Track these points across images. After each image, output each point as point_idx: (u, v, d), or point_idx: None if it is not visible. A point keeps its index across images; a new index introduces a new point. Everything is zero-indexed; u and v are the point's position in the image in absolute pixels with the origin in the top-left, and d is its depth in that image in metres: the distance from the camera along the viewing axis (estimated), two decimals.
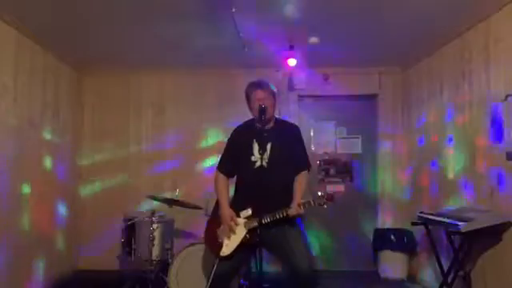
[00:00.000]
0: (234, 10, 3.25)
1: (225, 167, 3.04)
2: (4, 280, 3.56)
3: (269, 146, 2.85)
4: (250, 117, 3.02)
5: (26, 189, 3.95)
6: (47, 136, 4.37)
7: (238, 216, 2.86)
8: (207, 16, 3.47)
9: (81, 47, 4.37)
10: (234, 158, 3.00)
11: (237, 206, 2.90)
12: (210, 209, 3.19)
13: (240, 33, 3.68)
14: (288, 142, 2.94)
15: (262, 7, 3.34)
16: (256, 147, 2.85)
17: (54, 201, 4.58)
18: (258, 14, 3.48)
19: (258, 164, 2.81)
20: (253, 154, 2.87)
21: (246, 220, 2.83)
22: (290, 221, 2.79)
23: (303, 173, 2.96)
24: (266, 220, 2.69)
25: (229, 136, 3.10)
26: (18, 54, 3.77)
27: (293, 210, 2.71)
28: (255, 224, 2.70)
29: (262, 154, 2.77)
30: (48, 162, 4.39)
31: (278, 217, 2.72)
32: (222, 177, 3.03)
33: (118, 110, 5.26)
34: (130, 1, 3.27)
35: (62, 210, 4.74)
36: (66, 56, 4.60)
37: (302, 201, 2.74)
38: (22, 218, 3.92)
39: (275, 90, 2.95)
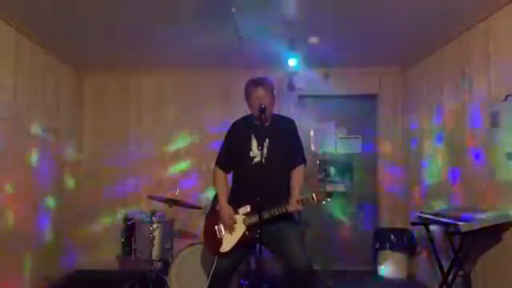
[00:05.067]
0: (233, 9, 3.25)
1: (223, 162, 3.04)
2: None
3: (266, 142, 2.85)
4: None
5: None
6: (47, 136, 4.37)
7: (237, 212, 2.87)
8: (207, 16, 3.47)
9: (81, 47, 4.37)
10: (232, 153, 3.00)
11: (235, 201, 2.90)
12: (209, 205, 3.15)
13: (240, 33, 3.68)
14: (285, 138, 2.94)
15: (262, 7, 3.34)
16: (254, 143, 2.86)
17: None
18: (258, 14, 3.48)
19: (257, 160, 2.81)
20: (251, 150, 2.87)
21: (244, 216, 2.83)
22: (289, 217, 2.79)
23: (299, 168, 2.95)
24: (266, 216, 2.69)
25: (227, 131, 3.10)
26: (18, 54, 3.76)
27: (292, 207, 2.71)
28: (254, 220, 2.71)
29: (260, 150, 2.77)
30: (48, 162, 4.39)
31: (277, 213, 2.72)
32: (220, 172, 3.03)
33: (118, 109, 5.27)
34: (129, 1, 3.27)
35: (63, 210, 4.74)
36: (66, 56, 4.60)
37: (301, 197, 2.73)
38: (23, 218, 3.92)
39: (275, 87, 2.96)
